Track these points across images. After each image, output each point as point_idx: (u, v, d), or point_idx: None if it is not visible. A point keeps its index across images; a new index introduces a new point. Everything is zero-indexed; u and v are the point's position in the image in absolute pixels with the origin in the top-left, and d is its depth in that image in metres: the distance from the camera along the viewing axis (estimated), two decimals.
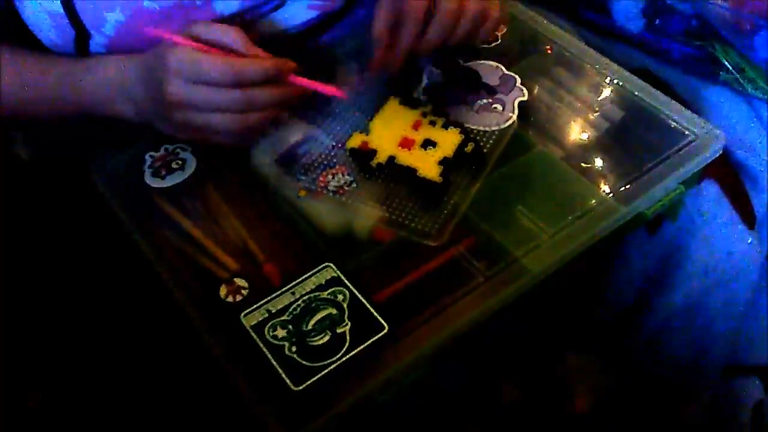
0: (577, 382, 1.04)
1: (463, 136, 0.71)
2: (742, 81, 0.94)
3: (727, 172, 0.86)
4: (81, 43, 0.71)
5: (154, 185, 0.71)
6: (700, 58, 0.96)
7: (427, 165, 0.69)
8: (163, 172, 0.72)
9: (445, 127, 0.72)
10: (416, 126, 0.73)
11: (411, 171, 0.69)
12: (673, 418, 0.99)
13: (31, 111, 0.74)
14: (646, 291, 0.89)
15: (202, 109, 0.64)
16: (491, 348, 0.62)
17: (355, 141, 0.72)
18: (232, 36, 0.65)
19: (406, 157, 0.70)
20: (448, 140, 0.71)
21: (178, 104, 0.64)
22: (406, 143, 0.71)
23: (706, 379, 0.97)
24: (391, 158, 0.70)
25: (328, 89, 0.66)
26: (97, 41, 0.71)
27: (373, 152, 0.71)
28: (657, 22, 0.98)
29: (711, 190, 0.83)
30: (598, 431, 1.01)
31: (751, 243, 0.86)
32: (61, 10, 0.69)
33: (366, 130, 0.73)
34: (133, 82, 0.68)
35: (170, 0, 0.71)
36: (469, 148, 0.71)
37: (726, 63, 0.94)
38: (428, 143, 0.71)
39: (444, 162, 0.69)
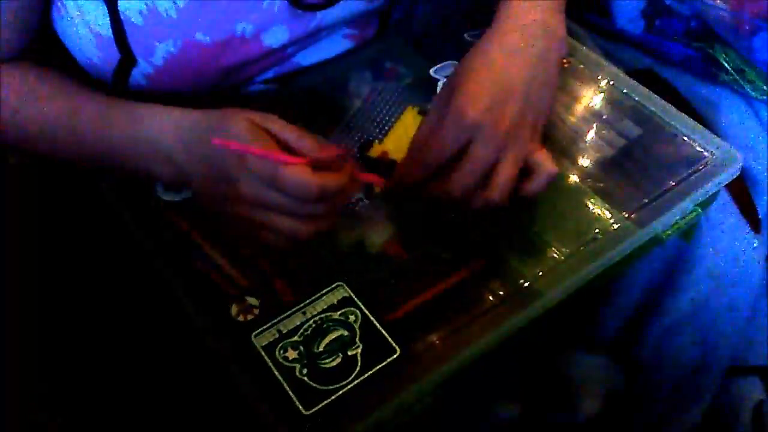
0: (583, 385, 1.04)
1: None
2: (741, 82, 0.94)
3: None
4: (123, 70, 0.69)
5: (167, 198, 0.70)
6: (700, 59, 0.96)
7: None
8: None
9: None
10: None
11: None
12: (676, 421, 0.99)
13: (50, 151, 0.70)
14: (653, 294, 0.88)
15: (272, 210, 0.59)
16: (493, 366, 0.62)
17: (375, 151, 0.71)
18: (308, 142, 0.59)
19: None
20: None
21: (248, 202, 0.59)
22: None
23: (711, 382, 0.97)
24: None
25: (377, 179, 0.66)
26: (141, 69, 0.69)
27: (393, 162, 0.70)
28: (657, 23, 0.98)
29: (718, 194, 0.82)
30: None
31: (756, 247, 0.86)
32: (110, 33, 0.67)
33: (383, 141, 0.72)
34: (180, 152, 0.62)
35: (222, 34, 0.70)
36: None
37: (726, 64, 0.94)
38: None
39: None
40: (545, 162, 0.65)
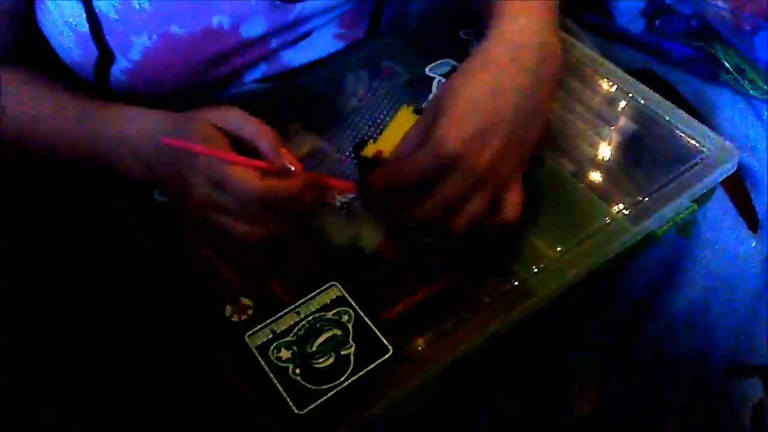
0: (580, 383, 1.03)
1: None
2: (742, 81, 0.94)
3: (732, 174, 0.85)
4: (102, 66, 0.70)
5: (163, 200, 0.70)
6: (701, 58, 0.96)
7: None
8: None
9: None
10: None
11: None
12: (675, 421, 0.99)
13: (39, 148, 0.71)
14: (650, 293, 0.88)
15: (221, 212, 0.59)
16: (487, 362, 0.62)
17: (369, 150, 0.71)
18: (265, 140, 0.59)
19: None
20: None
21: (200, 203, 0.59)
22: None
23: (709, 381, 0.97)
24: None
25: (346, 186, 0.65)
26: (120, 65, 0.69)
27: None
28: (657, 22, 0.98)
29: (716, 193, 0.82)
30: None
31: (754, 246, 0.85)
32: (87, 30, 0.67)
33: (377, 140, 0.72)
34: (147, 150, 0.62)
35: (198, 25, 0.69)
36: None
37: (726, 63, 0.94)
38: None
39: None
40: (509, 207, 0.61)
